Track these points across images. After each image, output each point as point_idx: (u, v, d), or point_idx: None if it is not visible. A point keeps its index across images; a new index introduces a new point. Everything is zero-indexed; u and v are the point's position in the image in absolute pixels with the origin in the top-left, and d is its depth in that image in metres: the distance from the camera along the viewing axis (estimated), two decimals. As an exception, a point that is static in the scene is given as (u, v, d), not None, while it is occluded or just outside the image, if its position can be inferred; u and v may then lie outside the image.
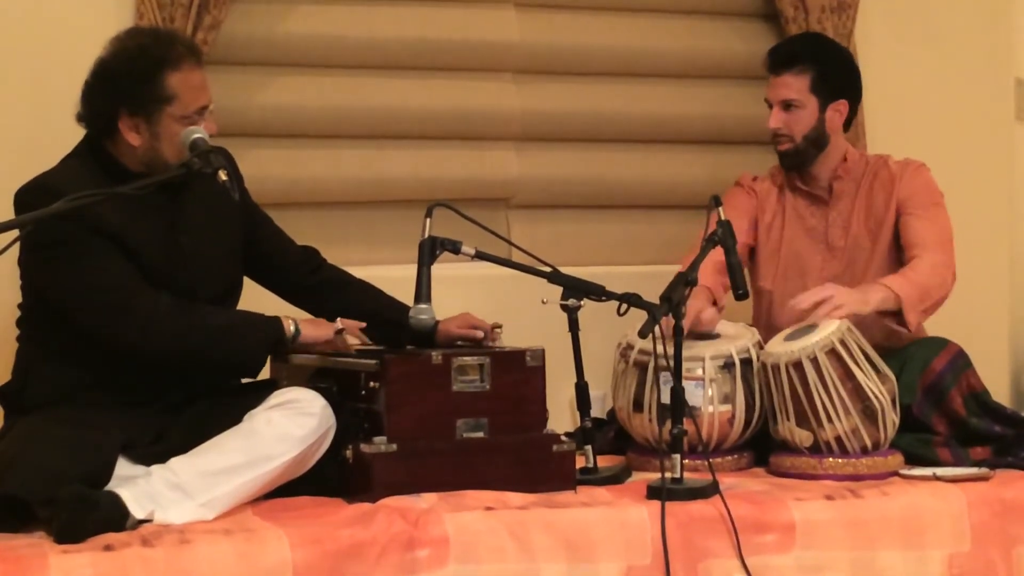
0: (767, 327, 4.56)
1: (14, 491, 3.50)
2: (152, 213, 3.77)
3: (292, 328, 3.83)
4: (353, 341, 4.02)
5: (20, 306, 3.87)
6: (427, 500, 3.70)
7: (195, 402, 3.79)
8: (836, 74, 4.61)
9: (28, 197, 3.68)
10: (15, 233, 3.38)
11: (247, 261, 4.02)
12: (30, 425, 3.66)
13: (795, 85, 4.55)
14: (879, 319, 4.37)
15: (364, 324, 3.98)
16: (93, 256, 3.68)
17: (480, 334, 4.06)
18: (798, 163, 4.61)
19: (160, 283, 3.75)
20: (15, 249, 3.45)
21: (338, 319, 3.93)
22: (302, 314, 4.07)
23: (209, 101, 3.78)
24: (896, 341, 4.48)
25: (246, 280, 4.05)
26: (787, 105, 4.56)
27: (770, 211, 4.71)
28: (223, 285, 3.93)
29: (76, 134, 3.84)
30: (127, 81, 3.73)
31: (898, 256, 4.54)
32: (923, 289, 4.34)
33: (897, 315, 4.32)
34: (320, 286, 4.12)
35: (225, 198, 3.66)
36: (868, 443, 4.16)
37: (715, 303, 4.46)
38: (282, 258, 4.11)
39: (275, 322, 3.83)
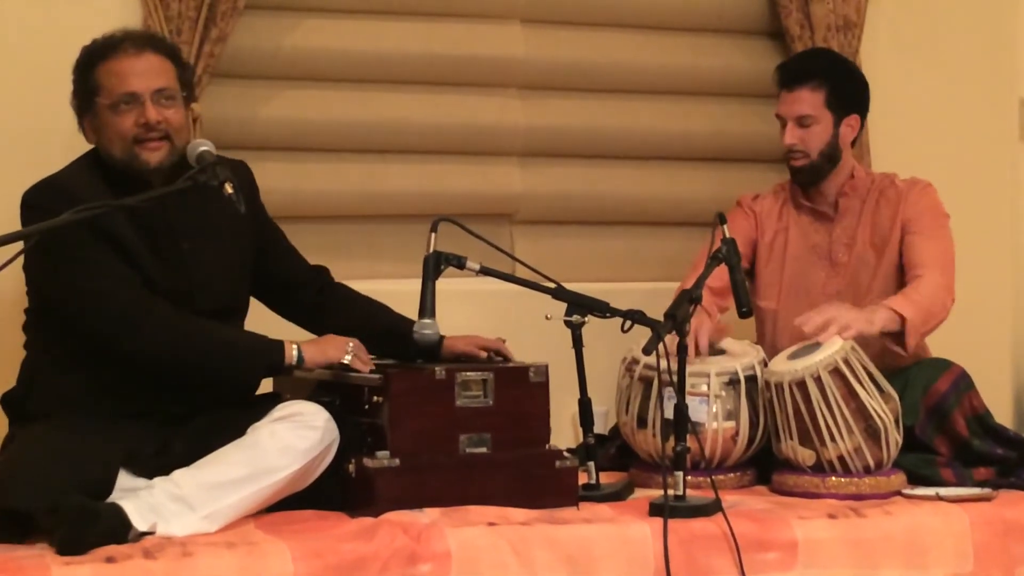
0: (771, 346, 4.55)
1: (16, 502, 3.49)
2: (155, 217, 3.77)
3: (295, 354, 3.80)
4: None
5: (26, 311, 3.87)
6: (429, 515, 3.69)
7: (198, 414, 3.78)
8: (849, 89, 4.61)
9: (37, 198, 3.69)
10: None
11: (255, 275, 4.01)
12: (33, 436, 3.66)
13: (810, 100, 4.55)
14: (878, 339, 4.37)
15: (372, 364, 3.92)
16: (93, 260, 3.68)
17: (484, 354, 4.05)
18: (813, 179, 4.60)
19: (157, 289, 3.74)
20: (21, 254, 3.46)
21: (350, 343, 3.88)
22: (304, 334, 4.07)
23: (143, 88, 3.75)
24: (898, 361, 4.48)
25: (254, 302, 4.05)
26: (803, 121, 4.55)
27: (771, 230, 4.70)
28: (226, 297, 3.92)
29: (81, 143, 3.85)
30: (75, 83, 3.83)
31: (902, 274, 4.54)
32: (926, 312, 4.33)
33: (897, 336, 4.31)
34: (324, 305, 4.10)
35: (235, 209, 3.66)
36: (871, 462, 4.15)
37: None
38: (290, 275, 4.10)
39: (276, 347, 3.80)
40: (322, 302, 4.11)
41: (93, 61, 3.79)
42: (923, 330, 4.34)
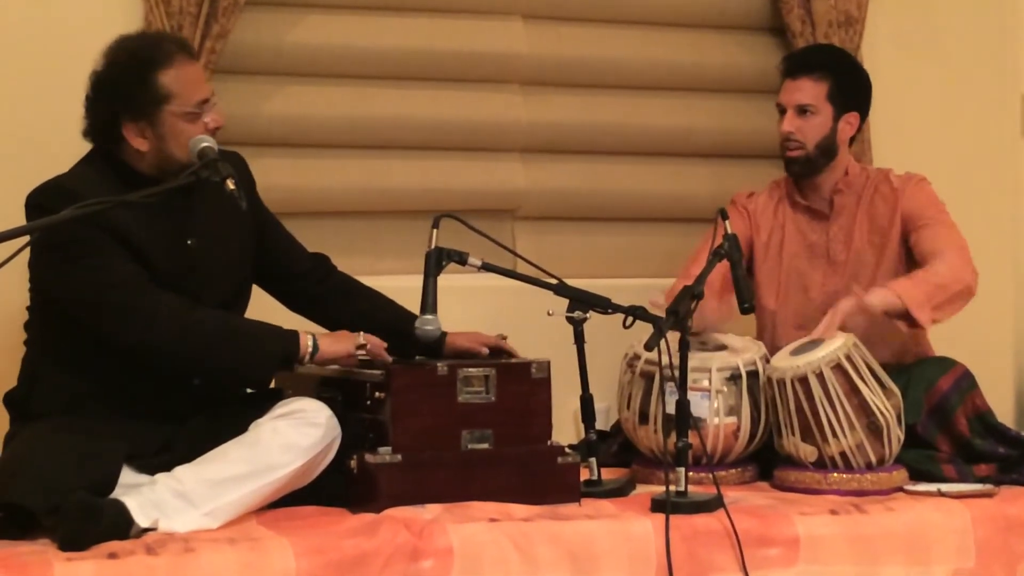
0: (771, 346, 4.53)
1: (18, 500, 3.49)
2: (161, 215, 3.75)
3: (310, 344, 3.77)
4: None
5: (28, 309, 3.87)
6: (431, 511, 3.69)
7: (200, 412, 3.78)
8: (852, 86, 4.62)
9: (41, 199, 3.68)
10: (23, 239, 3.40)
11: (256, 267, 4.01)
12: (35, 433, 3.66)
13: (812, 90, 4.55)
14: (894, 326, 4.35)
15: (386, 344, 3.90)
16: (99, 254, 3.67)
17: (485, 351, 4.05)
18: (806, 171, 4.60)
19: (165, 286, 3.74)
20: (23, 253, 3.45)
21: (360, 333, 3.86)
22: (308, 325, 4.07)
23: (209, 93, 3.78)
24: (903, 358, 4.48)
25: (255, 291, 4.04)
26: (802, 110, 4.55)
27: (766, 229, 4.70)
28: (231, 290, 3.92)
29: (83, 143, 3.85)
30: (123, 89, 3.73)
31: (905, 270, 4.53)
32: (932, 286, 4.30)
33: (907, 316, 4.30)
34: (326, 295, 4.11)
35: (236, 203, 3.66)
36: (873, 458, 4.15)
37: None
38: (291, 265, 4.09)
39: (291, 336, 3.78)
40: (324, 293, 4.11)
41: (150, 68, 3.71)
42: (932, 304, 4.28)
